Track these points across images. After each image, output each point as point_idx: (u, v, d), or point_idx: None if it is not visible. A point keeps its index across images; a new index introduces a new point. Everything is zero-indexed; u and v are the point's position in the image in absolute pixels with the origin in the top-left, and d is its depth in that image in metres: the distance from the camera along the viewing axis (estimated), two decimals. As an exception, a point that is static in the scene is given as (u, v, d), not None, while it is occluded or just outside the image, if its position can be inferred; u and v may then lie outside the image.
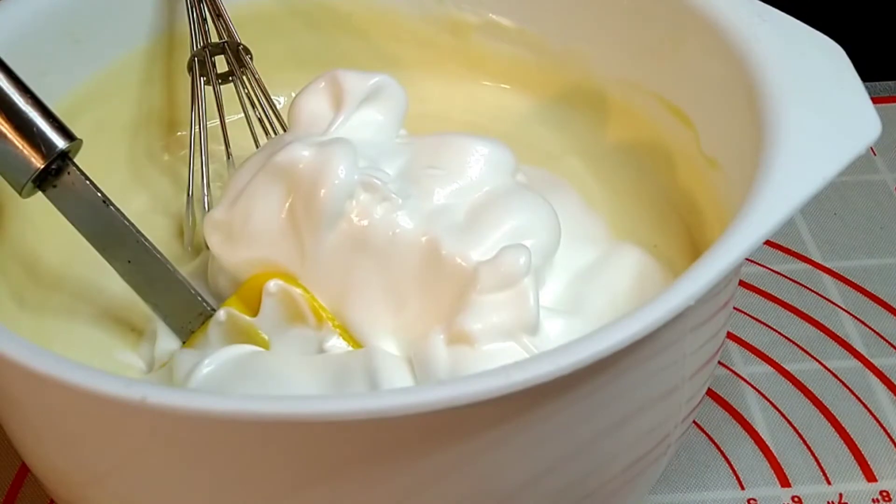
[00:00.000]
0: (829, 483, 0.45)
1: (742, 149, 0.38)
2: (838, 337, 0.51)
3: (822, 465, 0.46)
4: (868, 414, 0.48)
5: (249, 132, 0.46)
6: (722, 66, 0.41)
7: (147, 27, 0.47)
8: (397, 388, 0.36)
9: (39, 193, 0.39)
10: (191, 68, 0.46)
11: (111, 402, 0.30)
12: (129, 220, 0.40)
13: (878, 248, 0.55)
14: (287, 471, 0.32)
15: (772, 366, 0.50)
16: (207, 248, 0.41)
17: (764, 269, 0.54)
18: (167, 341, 0.41)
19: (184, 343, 0.41)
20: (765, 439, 0.47)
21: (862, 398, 0.48)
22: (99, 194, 0.40)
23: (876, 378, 0.49)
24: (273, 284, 0.39)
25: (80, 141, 0.39)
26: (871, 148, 0.52)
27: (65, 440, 0.34)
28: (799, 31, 0.40)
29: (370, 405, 0.30)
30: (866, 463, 0.46)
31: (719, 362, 0.46)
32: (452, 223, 0.39)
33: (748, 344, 0.51)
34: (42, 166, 0.38)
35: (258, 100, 0.46)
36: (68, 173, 0.39)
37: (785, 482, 0.45)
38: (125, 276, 0.41)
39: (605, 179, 0.46)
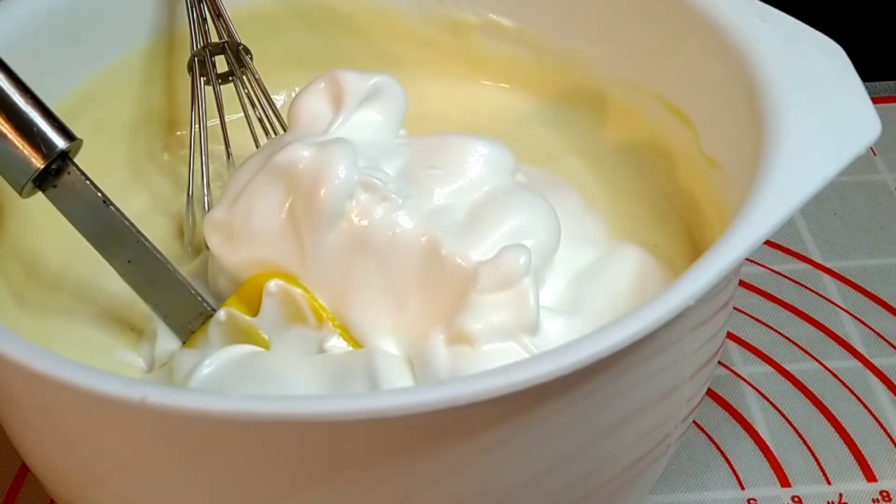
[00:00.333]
0: (829, 483, 0.45)
1: (742, 149, 0.38)
2: (838, 337, 0.51)
3: (822, 465, 0.46)
4: (868, 414, 0.48)
5: (249, 132, 0.46)
6: (722, 66, 0.41)
7: (147, 27, 0.47)
8: (397, 388, 0.36)
9: (39, 193, 0.39)
10: (191, 68, 0.46)
11: (111, 402, 0.30)
12: (129, 220, 0.40)
13: (878, 248, 0.55)
14: (287, 471, 0.32)
15: (772, 366, 0.50)
16: (207, 248, 0.41)
17: (764, 269, 0.54)
18: (167, 341, 0.41)
19: (184, 343, 0.41)
20: (765, 439, 0.47)
21: (862, 398, 0.48)
22: (99, 194, 0.40)
23: (876, 378, 0.49)
24: (273, 284, 0.39)
25: (81, 141, 0.39)
26: (871, 148, 0.52)
27: (65, 440, 0.34)
28: (799, 31, 0.40)
29: (370, 405, 0.30)
30: (866, 463, 0.46)
31: (719, 362, 0.46)
32: (452, 223, 0.39)
33: (748, 344, 0.51)
34: (42, 166, 0.38)
35: (258, 100, 0.46)
36: (68, 173, 0.39)
37: (785, 482, 0.45)
38: (125, 276, 0.41)
39: (605, 179, 0.46)
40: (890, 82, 0.64)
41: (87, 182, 0.39)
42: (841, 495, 0.45)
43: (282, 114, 0.46)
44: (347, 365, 0.37)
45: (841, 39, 0.40)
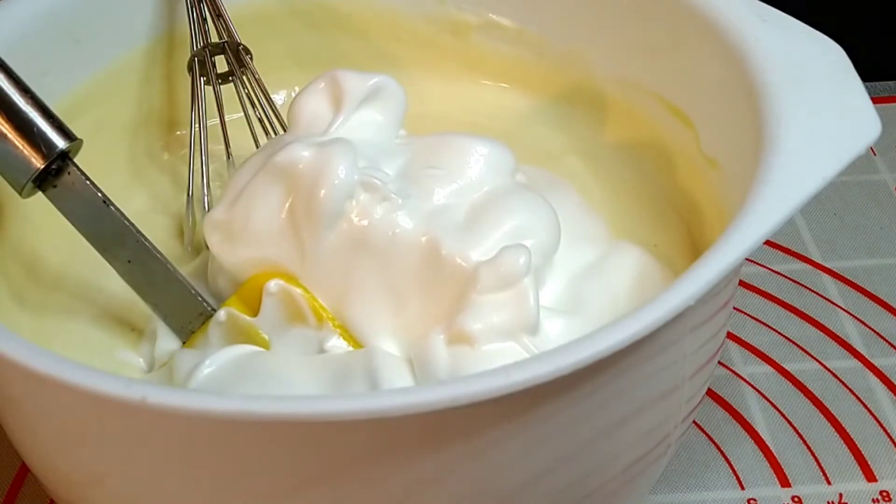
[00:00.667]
0: (829, 483, 0.45)
1: (742, 149, 0.38)
2: (838, 337, 0.51)
3: (822, 465, 0.46)
4: (868, 414, 0.48)
5: (249, 132, 0.46)
6: (722, 66, 0.41)
7: (147, 27, 0.47)
8: (397, 388, 0.36)
9: (39, 193, 0.39)
10: (191, 68, 0.46)
11: (111, 402, 0.30)
12: (129, 220, 0.40)
13: (878, 248, 0.55)
14: (287, 471, 0.32)
15: (772, 366, 0.50)
16: (207, 248, 0.41)
17: (764, 269, 0.54)
18: (167, 341, 0.41)
19: (184, 343, 0.41)
20: (765, 439, 0.47)
21: (862, 398, 0.48)
22: (99, 194, 0.40)
23: (876, 378, 0.49)
24: (273, 284, 0.39)
25: (81, 141, 0.39)
26: (871, 148, 0.52)
27: (65, 440, 0.34)
28: (799, 31, 0.40)
29: (370, 405, 0.30)
30: (866, 463, 0.46)
31: (719, 362, 0.46)
32: (452, 223, 0.39)
33: (748, 344, 0.51)
34: (42, 166, 0.38)
35: (258, 100, 0.46)
36: (68, 173, 0.39)
37: (785, 482, 0.45)
38: (125, 276, 0.41)
39: (605, 179, 0.46)
40: (890, 82, 0.64)
41: (87, 182, 0.39)
42: (841, 495, 0.45)
43: (282, 114, 0.46)
44: (347, 365, 0.37)
45: (841, 39, 0.40)
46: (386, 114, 0.41)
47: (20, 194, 0.39)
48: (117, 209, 0.40)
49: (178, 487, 0.33)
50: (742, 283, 0.52)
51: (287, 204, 0.39)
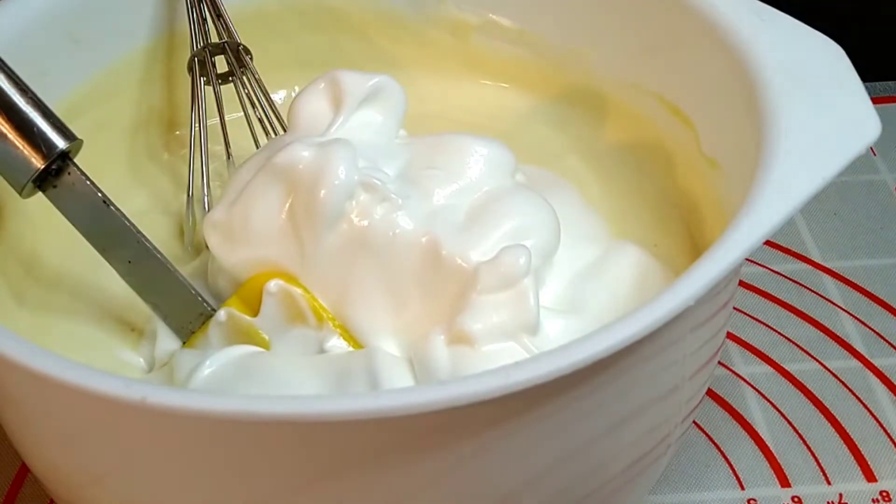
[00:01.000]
0: (829, 483, 0.45)
1: (742, 149, 0.38)
2: (838, 337, 0.51)
3: (822, 465, 0.46)
4: (868, 414, 0.48)
5: (249, 132, 0.46)
6: (722, 66, 0.41)
7: (147, 27, 0.47)
8: (397, 388, 0.36)
9: (39, 193, 0.39)
10: (191, 68, 0.46)
11: (111, 402, 0.30)
12: (129, 220, 0.40)
13: (878, 248, 0.55)
14: (287, 471, 0.32)
15: (772, 366, 0.50)
16: (207, 248, 0.41)
17: (764, 269, 0.54)
18: (167, 341, 0.41)
19: (184, 343, 0.41)
20: (765, 439, 0.47)
21: (862, 398, 0.48)
22: (99, 194, 0.40)
23: (876, 378, 0.49)
24: (273, 284, 0.39)
25: (81, 141, 0.39)
26: (871, 148, 0.52)
27: (65, 440, 0.34)
28: (799, 31, 0.40)
29: (370, 405, 0.30)
30: (866, 463, 0.46)
31: (719, 362, 0.46)
32: (452, 223, 0.39)
33: (748, 344, 0.51)
34: (42, 166, 0.38)
35: (258, 100, 0.46)
36: (68, 173, 0.39)
37: (785, 482, 0.45)
38: (125, 276, 0.41)
39: (605, 179, 0.46)
40: (890, 82, 0.64)
41: (88, 182, 0.39)
42: (841, 495, 0.45)
43: (282, 114, 0.46)
44: (348, 365, 0.37)
45: (841, 39, 0.40)
46: (386, 114, 0.41)
47: (20, 194, 0.39)
48: (117, 209, 0.40)
49: (178, 487, 0.33)
50: (742, 283, 0.52)
51: (287, 204, 0.39)
